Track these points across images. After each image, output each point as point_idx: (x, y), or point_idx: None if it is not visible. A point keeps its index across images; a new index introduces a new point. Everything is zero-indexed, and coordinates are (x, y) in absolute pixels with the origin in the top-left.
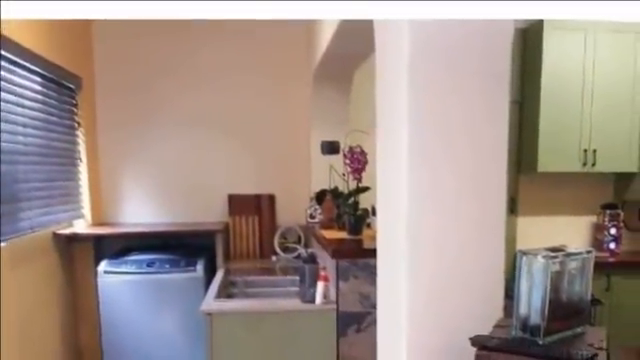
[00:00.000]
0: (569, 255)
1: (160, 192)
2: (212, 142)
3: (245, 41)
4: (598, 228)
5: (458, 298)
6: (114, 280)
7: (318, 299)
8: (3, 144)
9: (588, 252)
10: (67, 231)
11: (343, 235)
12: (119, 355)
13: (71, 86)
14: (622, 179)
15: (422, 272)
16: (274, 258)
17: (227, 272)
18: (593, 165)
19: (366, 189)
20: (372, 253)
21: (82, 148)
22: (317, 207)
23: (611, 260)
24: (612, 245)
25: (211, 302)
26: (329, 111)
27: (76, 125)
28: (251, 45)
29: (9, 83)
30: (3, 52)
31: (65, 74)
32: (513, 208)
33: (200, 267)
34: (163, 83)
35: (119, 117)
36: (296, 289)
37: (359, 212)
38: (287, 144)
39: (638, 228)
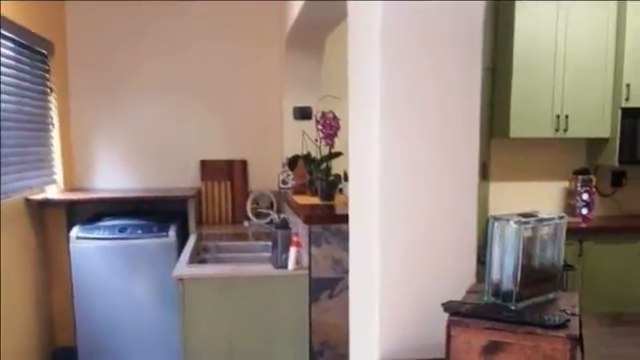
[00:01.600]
0: (541, 221)
1: (132, 158)
2: (184, 108)
3: (218, 6)
4: (570, 194)
5: (430, 263)
6: (86, 246)
7: (290, 265)
8: None
9: (560, 218)
10: (39, 197)
11: (315, 201)
12: (91, 320)
13: (43, 51)
14: (594, 144)
15: (394, 238)
16: (246, 224)
17: (199, 237)
18: (565, 131)
19: (338, 155)
20: (344, 218)
21: (54, 114)
22: (289, 173)
23: (583, 226)
24: (584, 210)
25: (183, 267)
26: (301, 77)
27: (48, 90)
28: (224, 10)
29: None
30: None
31: (37, 39)
32: (485, 174)
33: (172, 233)
34: (135, 48)
35: (91, 83)
36: (268, 255)
37: (331, 178)
38: (259, 110)
39: (610, 193)
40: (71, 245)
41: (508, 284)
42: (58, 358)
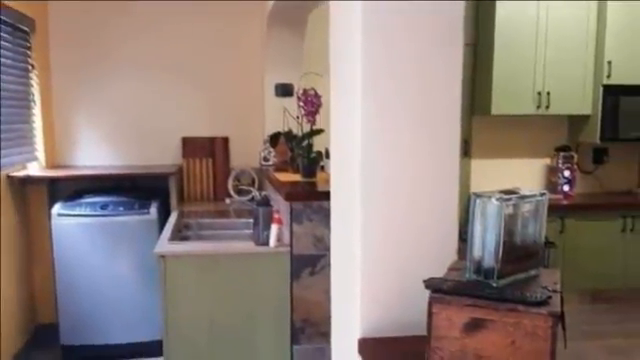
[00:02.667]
0: (523, 198)
1: (114, 135)
2: (166, 85)
3: None
4: (552, 171)
5: (412, 241)
6: (68, 223)
7: (272, 242)
8: None
9: (542, 195)
10: (21, 174)
11: (297, 178)
12: (73, 297)
13: (24, 28)
14: (576, 122)
15: (376, 215)
16: (228, 201)
17: (181, 215)
18: (547, 108)
19: (320, 132)
20: (326, 195)
21: (36, 91)
22: (271, 150)
23: (565, 202)
24: (566, 187)
25: (165, 244)
26: (283, 54)
27: (30, 68)
28: None
29: None
30: None
31: (18, 16)
32: (467, 150)
33: (154, 210)
34: (117, 26)
35: (73, 60)
36: (250, 232)
37: (313, 155)
38: (241, 87)
39: (591, 170)
40: (53, 222)
41: (490, 261)
42: (40, 334)
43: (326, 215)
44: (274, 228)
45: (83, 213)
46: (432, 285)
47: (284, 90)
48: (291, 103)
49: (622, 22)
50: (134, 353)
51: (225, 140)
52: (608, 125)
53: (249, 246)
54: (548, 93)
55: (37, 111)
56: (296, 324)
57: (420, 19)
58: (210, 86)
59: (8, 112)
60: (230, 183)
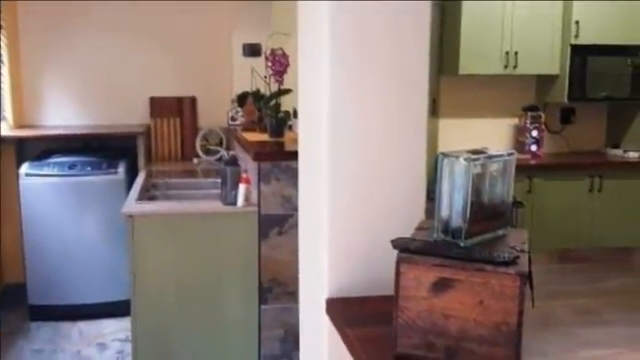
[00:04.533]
0: (491, 157)
1: (82, 95)
2: (134, 45)
3: None
4: (520, 130)
5: (380, 200)
6: (36, 182)
7: (240, 201)
8: None
9: (510, 154)
10: None
11: (265, 137)
12: (40, 257)
13: None
14: (543, 81)
15: (343, 175)
16: (195, 160)
17: (149, 174)
18: (515, 67)
19: (287, 91)
20: (294, 155)
21: (4, 51)
22: (239, 109)
23: (533, 162)
24: (534, 147)
25: (132, 204)
26: (251, 13)
27: None
28: None
29: None
30: None
31: None
32: (434, 110)
33: (121, 169)
34: None
35: (41, 20)
36: (218, 191)
37: (281, 114)
38: (209, 47)
39: (559, 130)
40: (20, 182)
41: (457, 221)
42: (7, 294)
43: (294, 175)
44: (242, 188)
45: (51, 173)
46: (400, 245)
47: (252, 50)
48: (259, 63)
49: None
50: (102, 313)
51: (193, 100)
52: (576, 85)
53: (217, 206)
54: (516, 53)
55: (4, 71)
56: (264, 284)
57: None
58: (178, 46)
59: None
60: (198, 143)
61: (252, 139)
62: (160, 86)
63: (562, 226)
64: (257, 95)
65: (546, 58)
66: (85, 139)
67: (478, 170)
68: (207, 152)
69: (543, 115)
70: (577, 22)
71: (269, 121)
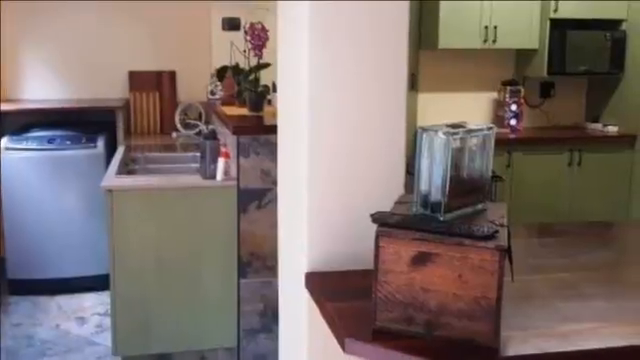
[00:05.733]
0: (470, 132)
1: (61, 69)
2: (113, 19)
3: None
4: (499, 105)
5: (359, 175)
6: (15, 157)
7: (219, 175)
8: None
9: (489, 128)
10: None
11: (244, 112)
12: (20, 231)
13: None
14: (523, 55)
15: (323, 149)
16: (175, 134)
17: (128, 149)
18: (494, 42)
19: (267, 65)
20: (273, 129)
21: None
22: (218, 84)
23: (512, 137)
24: (513, 121)
25: (112, 178)
26: None
27: None
28: None
29: None
30: None
31: None
32: (414, 84)
33: (101, 143)
34: None
35: None
36: (197, 165)
37: (260, 89)
38: (188, 21)
39: (538, 105)
40: (0, 156)
41: (437, 195)
42: None
43: (273, 149)
44: (221, 162)
45: (30, 147)
46: (379, 219)
47: (231, 24)
48: (238, 37)
49: None
50: (81, 287)
51: (172, 74)
52: (555, 59)
53: (196, 180)
54: (495, 27)
55: None
56: (243, 258)
57: None
58: (157, 20)
59: None
60: (177, 117)
61: (231, 113)
62: (139, 60)
63: (541, 200)
64: (236, 69)
65: (525, 32)
66: (64, 113)
67: (457, 144)
68: (186, 126)
69: (522, 89)
70: None
71: (248, 95)
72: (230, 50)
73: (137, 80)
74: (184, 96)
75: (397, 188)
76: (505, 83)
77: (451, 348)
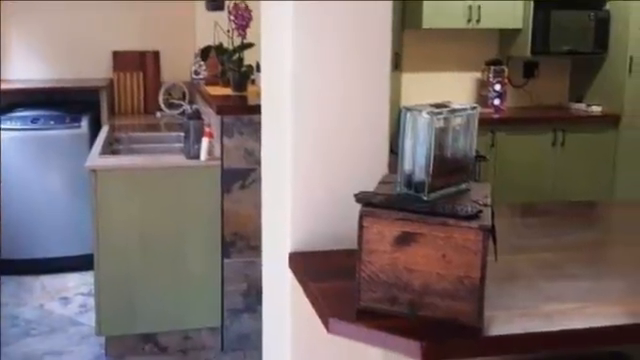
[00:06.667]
0: (454, 111)
1: (45, 48)
2: None
3: None
4: (483, 84)
5: (343, 155)
6: None
7: (203, 155)
8: None
9: (473, 108)
10: None
11: (228, 91)
12: (4, 211)
13: None
14: (506, 35)
15: (307, 129)
16: (159, 114)
17: (112, 128)
18: (478, 21)
19: (250, 45)
20: (257, 109)
21: None
22: (202, 63)
23: (496, 116)
24: (497, 101)
25: (95, 158)
26: None
27: None
28: None
29: None
30: None
31: None
32: (397, 64)
33: (85, 123)
34: None
35: None
36: (181, 145)
37: (243, 68)
38: (172, 1)
39: (522, 84)
40: None
41: (420, 175)
42: None
43: (257, 129)
44: (205, 141)
45: (14, 127)
46: (363, 199)
47: (215, 4)
48: (222, 17)
49: None
50: (65, 267)
51: (156, 54)
52: (539, 39)
53: (180, 160)
54: (479, 7)
55: None
56: (227, 238)
57: None
58: (141, 0)
59: None
60: (161, 97)
61: (215, 93)
62: (123, 40)
63: (525, 180)
64: (220, 49)
65: (509, 12)
66: (48, 93)
67: (441, 124)
68: (170, 106)
69: (506, 69)
70: None
71: (232, 75)
72: (214, 30)
73: (121, 60)
74: (168, 76)
75: (381, 168)
76: (489, 63)
77: (435, 328)
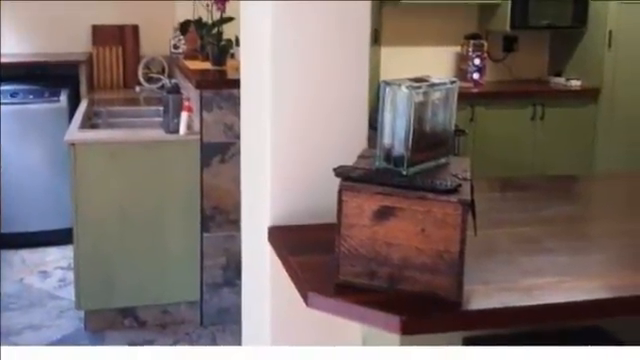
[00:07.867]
0: (433, 85)
1: (24, 23)
2: None
3: None
4: (462, 59)
5: (322, 129)
6: None
7: (182, 129)
8: None
9: (452, 82)
10: None
11: (207, 66)
12: None
13: None
14: (486, 9)
15: (286, 103)
16: (138, 89)
17: (91, 103)
18: None
19: (230, 19)
20: (236, 83)
21: None
22: (181, 38)
23: (475, 91)
24: (476, 75)
25: (74, 132)
26: None
27: None
28: None
29: None
30: None
31: None
32: (377, 39)
33: (64, 98)
34: None
35: None
36: (160, 120)
37: (223, 43)
38: None
39: (501, 59)
40: None
41: (399, 149)
42: None
43: (236, 103)
44: (184, 116)
45: None
46: (342, 173)
47: None
48: None
49: None
50: (44, 241)
51: (135, 28)
52: (518, 13)
53: (159, 134)
54: None
55: None
56: (206, 212)
57: None
58: None
59: None
60: (140, 71)
61: (194, 67)
62: (102, 14)
63: (504, 154)
64: (199, 23)
65: None
66: (27, 67)
67: (420, 98)
68: (149, 80)
69: (485, 43)
70: None
71: (211, 49)
72: (193, 4)
73: (100, 34)
74: (147, 50)
75: (360, 142)
76: (468, 37)
77: (414, 302)
